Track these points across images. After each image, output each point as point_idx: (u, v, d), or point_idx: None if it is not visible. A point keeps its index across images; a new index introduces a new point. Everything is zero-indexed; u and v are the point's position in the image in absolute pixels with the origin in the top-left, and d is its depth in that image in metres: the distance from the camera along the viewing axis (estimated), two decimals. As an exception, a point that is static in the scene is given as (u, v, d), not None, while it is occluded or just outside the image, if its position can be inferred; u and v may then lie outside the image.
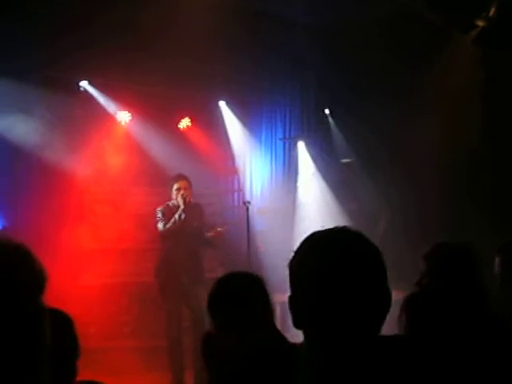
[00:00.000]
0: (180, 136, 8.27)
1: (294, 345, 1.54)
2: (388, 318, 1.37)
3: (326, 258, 1.34)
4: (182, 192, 6.10)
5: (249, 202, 6.71)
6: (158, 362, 6.07)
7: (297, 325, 1.37)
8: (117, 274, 7.40)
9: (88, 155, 7.45)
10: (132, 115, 7.98)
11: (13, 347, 1.22)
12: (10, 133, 6.76)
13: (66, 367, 2.04)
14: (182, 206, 6.07)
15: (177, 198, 6.13)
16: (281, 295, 4.57)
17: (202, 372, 5.89)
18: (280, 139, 8.93)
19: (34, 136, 6.80)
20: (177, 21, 6.50)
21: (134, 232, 7.48)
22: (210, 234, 6.20)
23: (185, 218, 6.06)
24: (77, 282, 7.10)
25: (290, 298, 1.40)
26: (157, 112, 7.82)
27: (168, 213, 6.12)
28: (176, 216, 6.07)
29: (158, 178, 7.60)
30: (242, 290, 2.47)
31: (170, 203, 6.19)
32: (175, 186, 6.15)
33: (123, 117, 7.97)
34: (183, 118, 8.40)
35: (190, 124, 8.44)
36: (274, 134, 8.96)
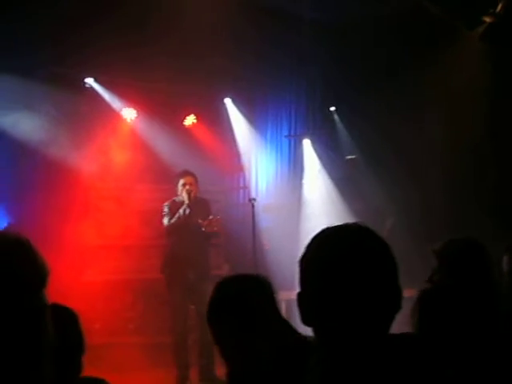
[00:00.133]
0: (185, 133, 8.27)
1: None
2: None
3: (336, 254, 1.33)
4: (187, 187, 6.08)
5: (254, 200, 6.69)
6: (162, 359, 6.07)
7: (305, 322, 1.36)
8: (121, 270, 7.41)
9: (93, 152, 7.46)
10: (137, 112, 7.98)
11: (15, 342, 1.22)
12: (15, 129, 6.78)
13: (71, 363, 2.05)
14: (186, 201, 6.06)
15: (182, 194, 6.12)
16: (286, 292, 4.58)
17: (207, 369, 5.92)
18: (285, 136, 8.92)
19: (40, 132, 6.82)
20: (182, 18, 6.49)
21: (139, 228, 7.48)
22: (203, 224, 6.10)
23: (190, 213, 6.03)
24: (81, 277, 7.12)
25: (299, 294, 1.38)
26: (162, 109, 7.83)
27: (174, 208, 6.11)
28: (181, 211, 6.05)
29: (162, 175, 7.60)
30: (245, 296, 2.24)
31: (177, 199, 6.18)
32: (181, 182, 6.14)
33: (128, 114, 7.98)
34: (189, 114, 8.39)
35: (195, 121, 8.43)
36: (279, 131, 8.95)
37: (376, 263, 1.32)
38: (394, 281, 1.35)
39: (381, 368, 1.28)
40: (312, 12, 7.20)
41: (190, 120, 8.41)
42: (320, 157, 8.65)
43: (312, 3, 7.03)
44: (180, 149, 7.71)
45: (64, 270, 5.92)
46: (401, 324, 1.45)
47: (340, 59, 7.82)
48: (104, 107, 7.77)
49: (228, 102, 8.64)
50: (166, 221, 6.12)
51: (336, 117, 8.81)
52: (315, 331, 1.35)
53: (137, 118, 8.02)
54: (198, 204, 6.14)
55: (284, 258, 7.21)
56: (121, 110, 7.94)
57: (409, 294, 1.99)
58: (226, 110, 8.65)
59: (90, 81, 7.71)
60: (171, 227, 6.10)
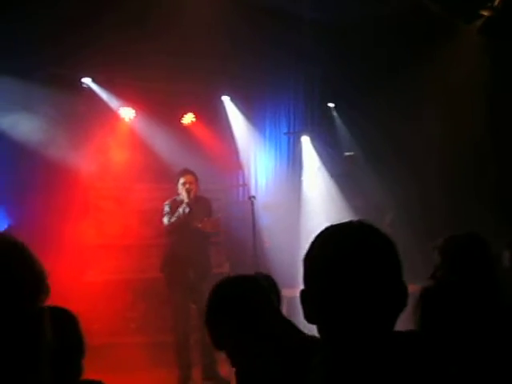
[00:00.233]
0: (184, 131, 8.26)
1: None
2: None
3: (340, 251, 1.33)
4: (186, 186, 6.07)
5: (254, 197, 6.69)
6: (165, 358, 6.06)
7: (309, 319, 1.36)
8: (121, 270, 7.42)
9: (92, 152, 7.46)
10: (136, 111, 7.98)
11: (13, 345, 1.22)
12: (14, 130, 6.77)
13: (71, 365, 2.03)
14: (186, 200, 6.05)
15: (182, 193, 6.11)
16: (287, 290, 4.58)
17: (210, 368, 5.92)
18: (284, 134, 8.91)
19: (38, 133, 6.82)
20: (180, 16, 6.48)
21: (138, 228, 7.48)
22: (201, 225, 6.10)
23: (189, 212, 6.02)
24: (82, 278, 7.12)
25: (303, 292, 1.38)
26: (160, 108, 7.81)
27: (174, 207, 6.10)
28: (180, 210, 6.04)
29: (162, 174, 7.60)
30: (242, 297, 2.21)
31: (177, 198, 6.16)
32: (181, 181, 6.12)
33: (127, 113, 7.97)
34: (187, 113, 8.39)
35: (193, 119, 8.43)
36: (278, 128, 8.94)
37: (380, 260, 1.32)
38: (399, 278, 1.34)
39: (385, 366, 1.27)
40: (312, 11, 7.18)
41: (188, 118, 8.41)
42: (319, 153, 8.65)
43: (312, 3, 7.02)
44: (179, 147, 7.70)
45: (64, 270, 5.93)
46: (402, 321, 1.44)
47: (339, 56, 7.81)
48: (102, 107, 7.76)
49: (226, 99, 8.63)
50: (166, 220, 6.11)
51: (335, 113, 8.81)
52: (319, 329, 1.35)
53: (135, 117, 8.02)
54: (199, 203, 6.13)
55: (284, 256, 7.22)
56: (119, 109, 7.93)
57: (410, 289, 1.98)
58: (224, 108, 8.64)
59: (87, 81, 7.71)
60: (171, 226, 6.09)
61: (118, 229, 7.32)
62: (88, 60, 6.97)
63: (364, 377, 1.27)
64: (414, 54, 7.52)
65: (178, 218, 6.04)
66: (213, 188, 7.69)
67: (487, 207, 6.99)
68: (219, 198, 7.93)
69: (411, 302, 2.08)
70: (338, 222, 1.41)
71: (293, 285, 4.78)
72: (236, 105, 8.63)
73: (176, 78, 7.44)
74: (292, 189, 8.54)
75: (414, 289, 2.25)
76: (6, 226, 6.72)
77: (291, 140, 8.92)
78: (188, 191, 6.04)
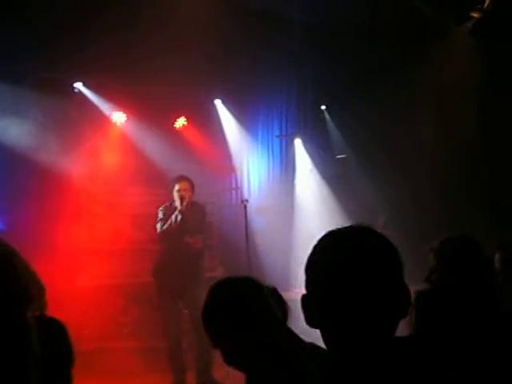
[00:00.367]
0: (176, 135, 8.24)
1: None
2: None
3: (342, 255, 1.33)
4: (181, 193, 6.04)
5: (247, 201, 6.68)
6: (158, 363, 6.03)
7: (311, 324, 1.36)
8: (113, 274, 7.37)
9: (84, 156, 7.43)
10: (127, 115, 7.95)
11: (1, 357, 1.20)
12: (5, 135, 6.74)
13: (59, 375, 2.00)
14: (178, 208, 6.02)
15: (176, 199, 6.07)
16: (281, 293, 4.57)
17: (204, 372, 5.90)
18: (277, 136, 8.92)
19: (29, 138, 6.78)
20: (172, 20, 6.47)
21: (130, 232, 7.45)
22: (190, 241, 6.10)
23: (182, 219, 5.99)
24: (75, 283, 7.08)
25: (304, 296, 1.38)
26: (152, 112, 7.78)
27: (168, 213, 6.07)
28: (172, 218, 6.01)
29: (154, 179, 7.58)
30: (240, 297, 2.21)
31: (173, 204, 6.13)
32: (176, 187, 6.08)
33: (118, 117, 7.95)
34: (179, 117, 8.36)
35: (185, 123, 8.40)
36: (270, 131, 8.94)
37: (382, 264, 1.32)
38: (401, 282, 1.35)
39: (386, 369, 1.27)
40: (303, 14, 7.20)
41: (180, 122, 8.38)
42: (311, 156, 8.66)
43: (303, 5, 7.03)
44: (171, 151, 7.68)
45: (57, 275, 5.89)
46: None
47: (330, 59, 7.82)
48: (93, 111, 7.73)
49: (218, 103, 8.62)
50: (158, 227, 6.09)
51: (327, 116, 8.81)
52: (322, 333, 1.35)
53: (127, 121, 7.99)
54: (192, 209, 6.08)
55: (277, 259, 7.21)
56: (110, 113, 7.91)
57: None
58: (216, 111, 8.63)
59: (79, 85, 7.68)
60: (163, 233, 6.07)
61: (109, 233, 7.29)
62: (79, 65, 6.95)
63: (365, 380, 1.26)
64: (406, 55, 7.54)
65: (170, 225, 6.01)
66: (205, 192, 7.68)
67: (479, 209, 7.01)
68: (212, 201, 7.92)
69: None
70: (339, 227, 1.42)
71: (286, 288, 4.77)
72: (228, 108, 8.62)
73: (168, 81, 7.42)
74: (285, 192, 8.55)
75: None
76: (-2, 232, 6.69)
77: (283, 143, 8.93)
78: (182, 198, 6.01)
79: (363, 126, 7.80)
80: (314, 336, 1.56)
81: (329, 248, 1.37)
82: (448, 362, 1.71)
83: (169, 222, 6.02)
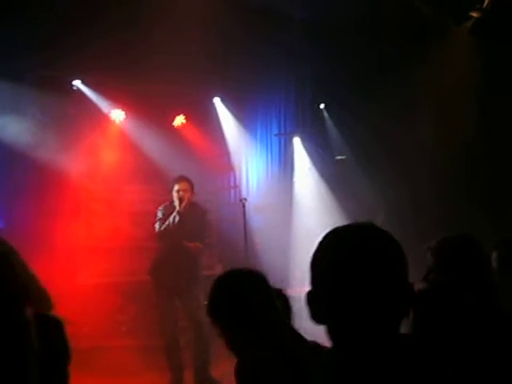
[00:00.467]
0: (175, 133, 8.24)
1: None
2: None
3: (347, 252, 1.33)
4: (180, 193, 6.02)
5: (245, 199, 6.68)
6: (157, 361, 6.03)
7: (316, 320, 1.36)
8: (112, 272, 7.37)
9: (82, 154, 7.43)
10: (126, 113, 7.95)
11: (1, 355, 1.21)
12: (4, 133, 6.74)
13: (56, 372, 2.00)
14: (177, 208, 6.01)
15: (175, 200, 6.06)
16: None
17: (202, 370, 5.90)
18: (275, 135, 8.91)
19: (28, 136, 6.78)
20: (171, 18, 6.46)
21: (129, 230, 7.45)
22: (189, 245, 6.08)
23: (180, 220, 5.98)
24: (73, 280, 7.08)
25: (310, 293, 1.38)
26: (151, 109, 7.78)
27: (167, 213, 6.07)
28: (170, 218, 6.00)
29: (152, 176, 7.58)
30: (242, 290, 2.26)
31: (172, 203, 6.11)
32: (175, 188, 6.06)
33: (117, 115, 7.94)
34: (177, 115, 8.36)
35: (184, 121, 8.40)
36: (269, 129, 8.93)
37: (387, 261, 1.33)
38: (405, 279, 1.35)
39: (390, 367, 1.28)
40: (303, 11, 7.19)
41: (179, 120, 8.38)
42: (310, 155, 8.65)
43: (303, 2, 7.02)
44: (170, 149, 7.68)
45: (56, 273, 5.89)
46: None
47: (330, 57, 7.81)
48: (92, 109, 7.74)
49: (217, 101, 8.61)
50: (157, 226, 6.09)
51: (326, 114, 8.80)
52: (327, 329, 1.36)
53: (125, 119, 7.99)
54: (191, 210, 6.07)
55: (276, 257, 7.21)
56: (109, 111, 7.90)
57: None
58: (215, 109, 8.62)
59: (77, 83, 7.67)
60: (161, 233, 6.07)
61: (108, 231, 7.29)
62: (78, 62, 6.94)
63: (369, 376, 1.27)
64: (406, 55, 7.53)
65: (168, 226, 6.01)
66: (204, 190, 7.67)
67: (479, 209, 7.01)
68: (210, 200, 7.91)
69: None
70: (339, 225, 1.42)
71: (285, 286, 4.77)
72: (227, 106, 8.62)
73: (166, 79, 7.41)
74: (283, 190, 8.54)
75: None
76: (-4, 230, 6.68)
77: (282, 141, 8.92)
78: (180, 199, 6.00)
79: (362, 125, 7.79)
80: (314, 334, 1.57)
81: (334, 245, 1.38)
82: (446, 361, 1.71)
83: (166, 223, 6.01)
